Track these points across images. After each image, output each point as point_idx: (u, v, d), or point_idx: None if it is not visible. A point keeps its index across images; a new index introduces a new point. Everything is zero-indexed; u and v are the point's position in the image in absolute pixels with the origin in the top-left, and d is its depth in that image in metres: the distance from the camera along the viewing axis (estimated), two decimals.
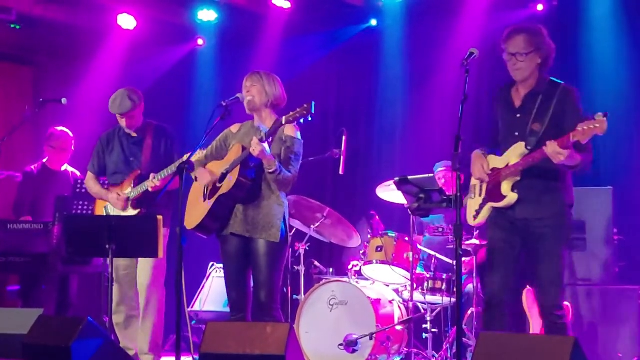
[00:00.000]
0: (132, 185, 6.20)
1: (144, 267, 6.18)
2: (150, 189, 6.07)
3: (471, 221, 4.92)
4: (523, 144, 4.72)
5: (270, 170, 5.11)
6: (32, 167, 7.61)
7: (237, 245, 5.26)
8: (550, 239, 4.71)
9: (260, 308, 5.18)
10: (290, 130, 5.23)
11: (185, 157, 5.88)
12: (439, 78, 8.16)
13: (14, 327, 4.76)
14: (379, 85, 8.69)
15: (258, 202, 5.21)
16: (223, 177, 5.24)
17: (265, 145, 5.05)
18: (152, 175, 6.08)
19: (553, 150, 4.47)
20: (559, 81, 4.83)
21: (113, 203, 6.27)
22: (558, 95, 4.75)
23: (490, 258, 4.87)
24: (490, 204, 4.81)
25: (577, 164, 4.59)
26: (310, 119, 5.03)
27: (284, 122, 5.05)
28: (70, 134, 7.60)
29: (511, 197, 4.73)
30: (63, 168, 7.61)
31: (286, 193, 5.34)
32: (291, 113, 5.04)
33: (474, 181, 4.92)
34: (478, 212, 4.86)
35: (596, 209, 6.66)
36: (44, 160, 7.61)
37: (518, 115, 4.81)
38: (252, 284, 5.32)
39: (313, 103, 5.00)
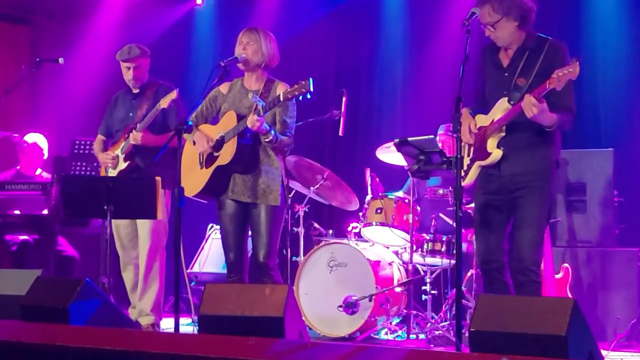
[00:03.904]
0: (125, 139, 6.17)
1: (143, 230, 6.18)
2: (133, 142, 6.07)
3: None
4: (506, 99, 4.66)
5: (267, 140, 5.13)
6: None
7: (236, 209, 5.29)
8: (532, 194, 4.64)
9: (259, 268, 5.25)
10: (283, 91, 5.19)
11: (161, 104, 5.87)
12: (440, 38, 8.09)
13: (11, 288, 4.75)
14: (380, 46, 8.62)
15: (256, 168, 5.23)
16: (219, 143, 5.23)
17: (263, 120, 5.06)
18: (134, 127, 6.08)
19: (527, 102, 4.40)
20: (547, 37, 4.75)
21: (103, 163, 6.27)
22: (546, 50, 4.67)
23: (475, 224, 4.84)
24: (477, 163, 4.76)
25: (552, 123, 4.51)
26: (309, 96, 5.03)
27: (281, 99, 5.04)
28: (44, 143, 7.54)
29: (496, 154, 4.67)
30: (37, 172, 7.55)
31: (283, 156, 5.34)
32: (289, 89, 5.05)
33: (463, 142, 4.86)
34: (466, 173, 4.80)
35: (597, 171, 6.64)
36: (17, 168, 7.56)
37: (506, 74, 4.75)
38: (249, 246, 5.36)
39: (311, 80, 4.99)
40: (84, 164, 7.19)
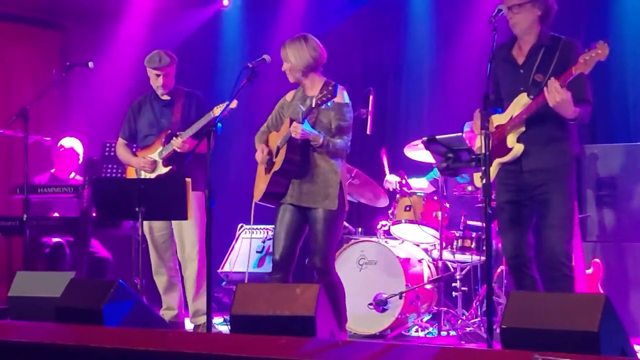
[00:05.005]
0: (163, 145, 6.24)
1: (190, 233, 6.27)
2: (177, 149, 6.13)
3: (478, 182, 4.85)
4: (525, 93, 4.69)
5: (317, 145, 5.16)
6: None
7: (295, 213, 5.33)
8: (556, 191, 4.66)
9: (317, 273, 5.27)
10: (338, 96, 5.18)
11: (214, 112, 5.93)
12: (467, 35, 8.06)
13: (46, 290, 4.81)
14: (406, 44, 8.61)
15: (313, 173, 5.26)
16: (278, 150, 5.30)
17: (305, 125, 5.10)
18: (178, 134, 6.15)
19: (552, 86, 4.42)
20: (559, 35, 4.79)
21: (139, 167, 6.31)
22: (561, 48, 4.71)
23: (499, 221, 4.87)
24: (497, 160, 4.76)
25: (575, 115, 4.54)
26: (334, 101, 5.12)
27: (314, 106, 5.08)
28: (79, 148, 7.61)
29: (517, 148, 4.68)
30: (71, 176, 7.64)
31: (342, 159, 5.35)
32: (318, 96, 5.09)
33: (478, 142, 4.85)
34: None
35: (626, 165, 6.61)
36: (52, 171, 7.65)
37: (522, 71, 4.77)
38: (298, 247, 5.38)
39: (336, 85, 5.04)
40: (114, 166, 7.25)
